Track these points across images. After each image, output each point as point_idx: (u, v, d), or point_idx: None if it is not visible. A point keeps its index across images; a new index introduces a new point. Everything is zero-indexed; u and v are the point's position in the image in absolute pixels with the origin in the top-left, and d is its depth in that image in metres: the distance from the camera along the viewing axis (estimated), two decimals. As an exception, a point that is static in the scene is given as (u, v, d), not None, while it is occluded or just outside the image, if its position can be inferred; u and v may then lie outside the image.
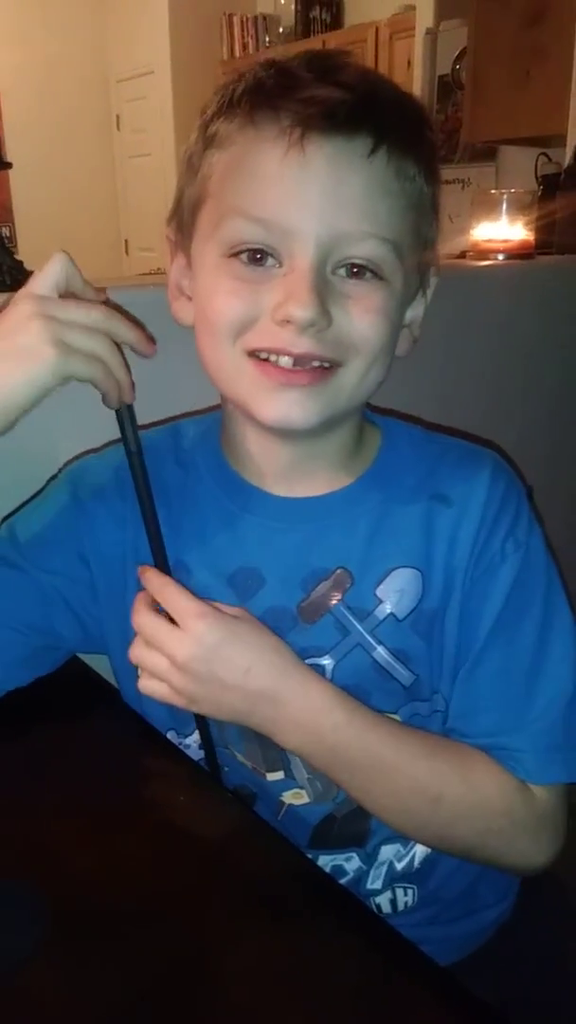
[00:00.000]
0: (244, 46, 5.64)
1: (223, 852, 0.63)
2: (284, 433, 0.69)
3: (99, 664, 0.84)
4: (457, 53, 3.68)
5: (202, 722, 0.74)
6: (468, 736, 0.71)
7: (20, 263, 1.07)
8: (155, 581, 0.68)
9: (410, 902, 0.79)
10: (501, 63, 3.26)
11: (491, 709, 0.71)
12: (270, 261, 0.64)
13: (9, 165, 1.09)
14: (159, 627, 0.66)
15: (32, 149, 5.57)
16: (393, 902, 0.79)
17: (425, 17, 3.88)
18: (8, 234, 5.23)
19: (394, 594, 0.73)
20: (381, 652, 0.73)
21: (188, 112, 5.76)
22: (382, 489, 0.75)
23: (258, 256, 0.64)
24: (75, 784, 0.70)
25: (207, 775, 0.75)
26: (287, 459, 0.74)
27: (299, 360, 0.64)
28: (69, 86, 5.93)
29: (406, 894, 0.79)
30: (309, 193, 0.62)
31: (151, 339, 0.67)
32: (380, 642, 0.73)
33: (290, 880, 0.61)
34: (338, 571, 0.73)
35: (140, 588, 0.73)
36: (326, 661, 0.73)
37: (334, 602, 0.73)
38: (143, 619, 0.67)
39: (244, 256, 0.64)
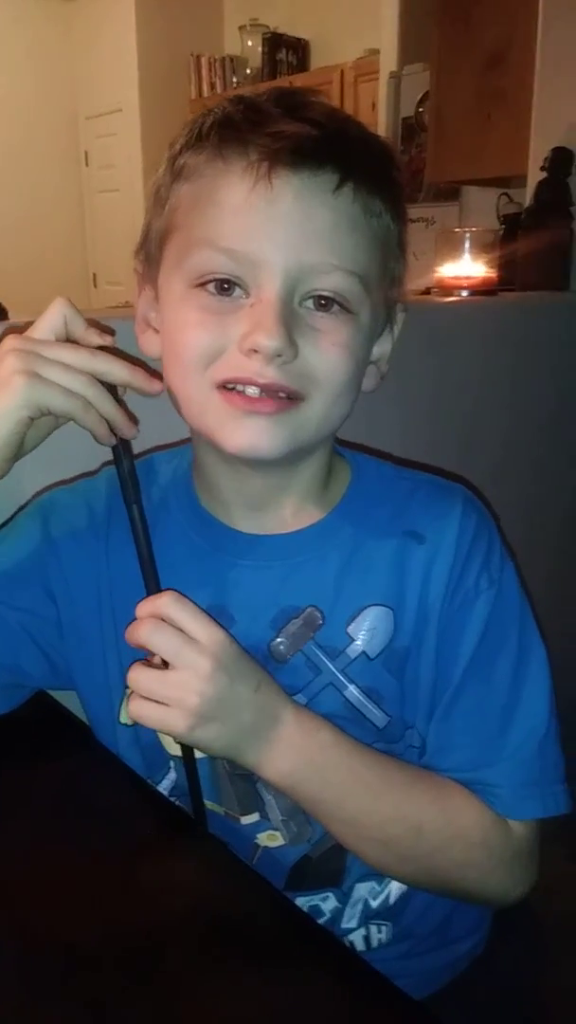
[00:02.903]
0: (212, 86, 5.73)
1: (196, 890, 0.62)
2: (251, 463, 0.69)
3: (67, 700, 0.83)
4: (420, 96, 3.76)
5: (189, 755, 0.71)
6: (444, 771, 0.71)
7: (-11, 295, 1.07)
8: (164, 599, 0.65)
9: (384, 938, 0.79)
10: (463, 106, 3.33)
11: (467, 745, 0.72)
12: (237, 291, 0.64)
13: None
14: (179, 640, 0.63)
15: (0, 184, 5.60)
16: (367, 939, 0.78)
17: (389, 61, 3.97)
18: (-25, 267, 5.22)
19: (365, 632, 0.72)
20: (353, 691, 0.73)
21: (156, 149, 5.76)
22: (352, 525, 0.75)
23: (225, 286, 0.64)
24: (42, 822, 0.68)
25: (179, 811, 0.73)
26: (256, 491, 0.74)
27: (265, 390, 0.64)
28: (38, 122, 5.97)
29: (380, 931, 0.79)
30: (276, 225, 0.62)
31: (153, 375, 0.67)
32: (351, 681, 0.73)
33: (265, 917, 0.60)
34: (308, 609, 0.73)
35: (116, 626, 0.73)
36: (298, 700, 0.72)
37: (305, 641, 0.73)
38: (160, 638, 0.63)
39: (211, 286, 0.64)
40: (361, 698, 0.73)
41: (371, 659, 0.73)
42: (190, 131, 0.67)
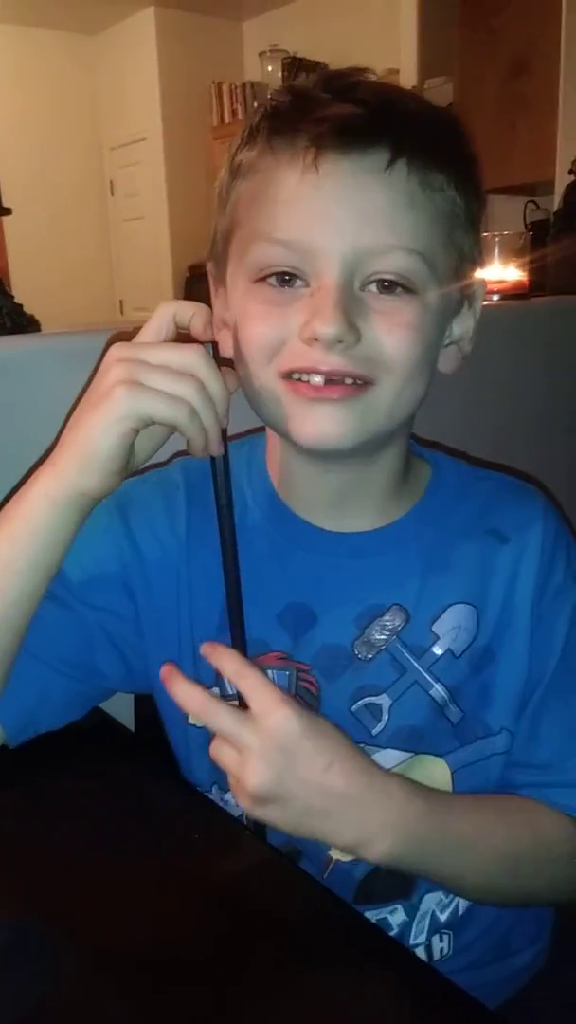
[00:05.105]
0: (233, 112, 5.80)
1: (257, 900, 0.60)
2: (324, 455, 0.67)
3: (119, 712, 0.82)
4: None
5: None
6: (529, 765, 0.71)
7: (20, 306, 1.07)
8: (231, 664, 0.62)
9: (445, 949, 0.76)
10: (487, 115, 3.34)
11: (556, 737, 0.72)
12: (298, 283, 0.63)
13: (8, 211, 1.10)
14: (233, 718, 0.60)
15: (29, 214, 5.68)
16: (428, 949, 0.75)
17: (409, 77, 3.99)
18: (5, 297, 5.29)
19: (451, 631, 0.71)
20: (438, 689, 0.71)
21: (180, 176, 5.90)
22: (434, 523, 0.74)
23: (286, 278, 0.63)
24: (98, 831, 0.66)
25: (236, 821, 0.71)
26: (335, 488, 0.72)
27: (330, 377, 0.62)
28: (64, 154, 6.09)
29: (441, 940, 0.76)
30: (328, 211, 0.61)
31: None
32: (437, 679, 0.71)
33: (330, 926, 0.57)
34: (393, 607, 0.72)
35: (193, 626, 0.73)
36: (383, 700, 0.71)
37: (390, 639, 0.71)
38: (213, 715, 0.61)
39: (272, 279, 0.63)
40: (445, 696, 0.71)
41: (456, 657, 0.72)
42: (244, 128, 0.67)
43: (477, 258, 0.69)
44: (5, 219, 1.18)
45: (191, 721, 0.75)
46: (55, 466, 0.63)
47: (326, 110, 0.60)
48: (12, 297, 1.08)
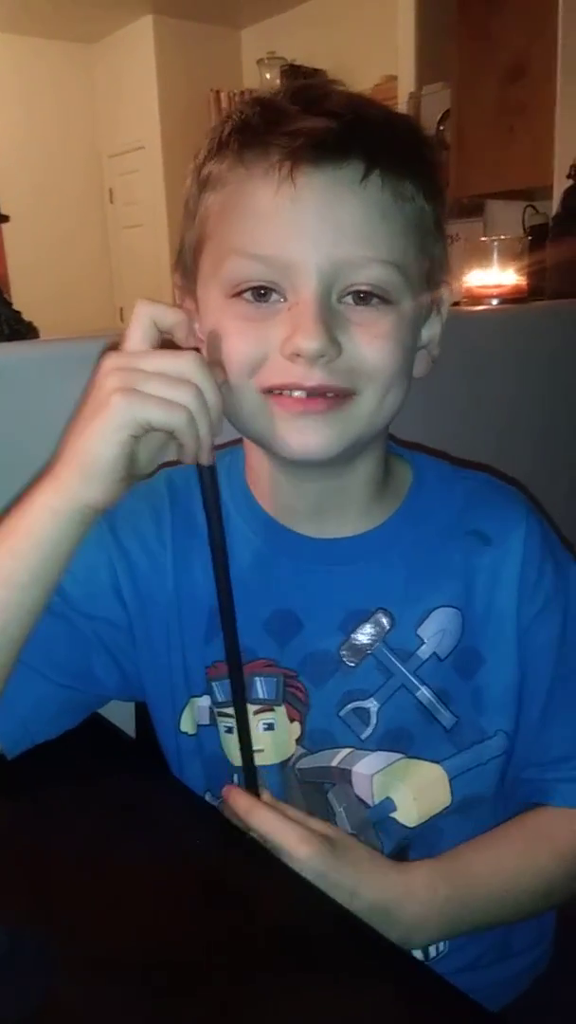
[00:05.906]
0: (232, 119, 5.82)
1: (251, 902, 0.59)
2: (307, 465, 0.67)
3: (120, 718, 0.82)
4: (440, 115, 3.78)
5: (248, 759, 0.70)
6: (542, 763, 0.73)
7: (18, 313, 1.08)
8: (243, 803, 0.66)
9: (441, 946, 0.75)
10: (485, 120, 3.35)
11: (566, 739, 0.73)
12: (274, 296, 0.62)
13: (5, 218, 1.10)
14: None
15: (28, 222, 5.71)
16: (425, 948, 0.75)
17: (407, 84, 4.01)
18: (5, 305, 5.30)
19: (436, 634, 0.72)
20: (425, 692, 0.72)
21: (179, 183, 5.87)
22: (417, 526, 0.74)
23: (262, 292, 0.62)
24: (96, 836, 0.66)
25: (229, 824, 0.71)
26: (314, 496, 0.72)
27: (312, 393, 0.62)
28: (63, 162, 6.12)
29: None
30: (305, 225, 0.61)
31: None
32: (423, 682, 0.72)
33: (321, 927, 0.57)
34: (377, 612, 0.72)
35: (182, 632, 0.73)
36: (371, 704, 0.71)
37: (376, 644, 0.72)
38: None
39: (248, 294, 0.63)
40: (432, 699, 0.72)
41: (441, 660, 0.72)
42: (211, 140, 0.66)
43: (444, 263, 0.70)
44: (4, 226, 1.19)
45: (182, 729, 0.76)
46: (57, 478, 0.62)
47: (298, 123, 0.60)
48: (10, 304, 1.09)
